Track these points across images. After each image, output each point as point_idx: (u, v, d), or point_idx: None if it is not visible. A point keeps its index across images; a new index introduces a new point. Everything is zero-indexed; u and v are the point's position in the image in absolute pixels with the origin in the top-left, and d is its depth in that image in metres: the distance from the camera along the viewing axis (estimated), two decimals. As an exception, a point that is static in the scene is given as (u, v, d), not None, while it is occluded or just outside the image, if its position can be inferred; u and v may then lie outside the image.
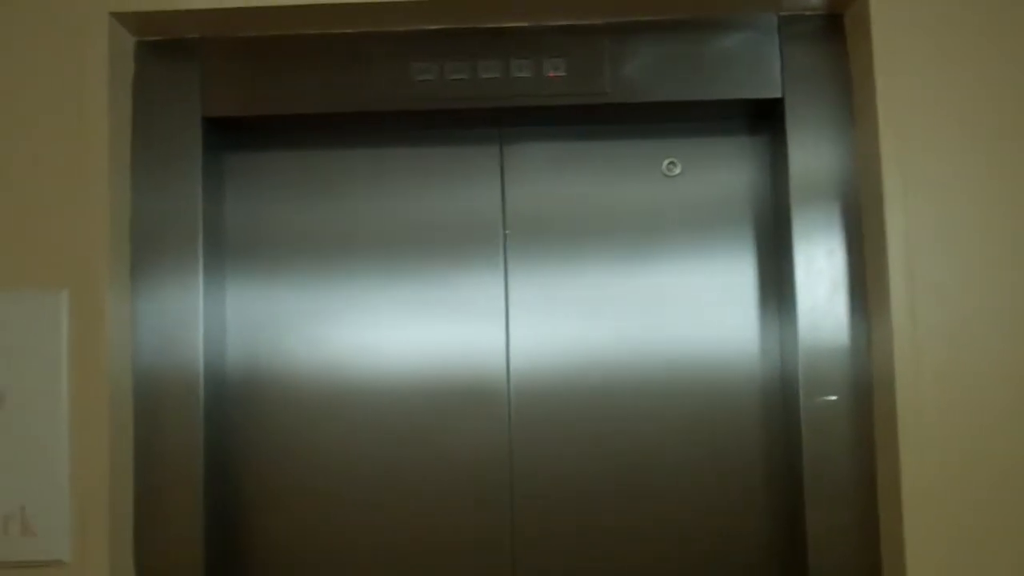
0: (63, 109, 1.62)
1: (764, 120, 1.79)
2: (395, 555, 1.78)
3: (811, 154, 1.68)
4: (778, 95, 1.69)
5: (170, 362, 1.67)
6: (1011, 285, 1.57)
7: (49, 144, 1.61)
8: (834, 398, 1.64)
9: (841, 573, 1.62)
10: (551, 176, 1.82)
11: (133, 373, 1.67)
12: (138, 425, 1.67)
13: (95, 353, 1.59)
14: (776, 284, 1.78)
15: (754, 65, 1.70)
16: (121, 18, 1.65)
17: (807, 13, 1.70)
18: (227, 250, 1.81)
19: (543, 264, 1.81)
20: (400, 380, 1.79)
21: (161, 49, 1.72)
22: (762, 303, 1.79)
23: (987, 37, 1.60)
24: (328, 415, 1.79)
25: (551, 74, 1.70)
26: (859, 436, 1.64)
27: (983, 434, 1.55)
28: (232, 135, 1.79)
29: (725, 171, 1.81)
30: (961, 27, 1.60)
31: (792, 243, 1.67)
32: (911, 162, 1.58)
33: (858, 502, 1.63)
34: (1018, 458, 1.54)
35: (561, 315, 1.80)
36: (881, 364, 1.61)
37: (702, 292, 1.80)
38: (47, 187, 1.61)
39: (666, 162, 1.81)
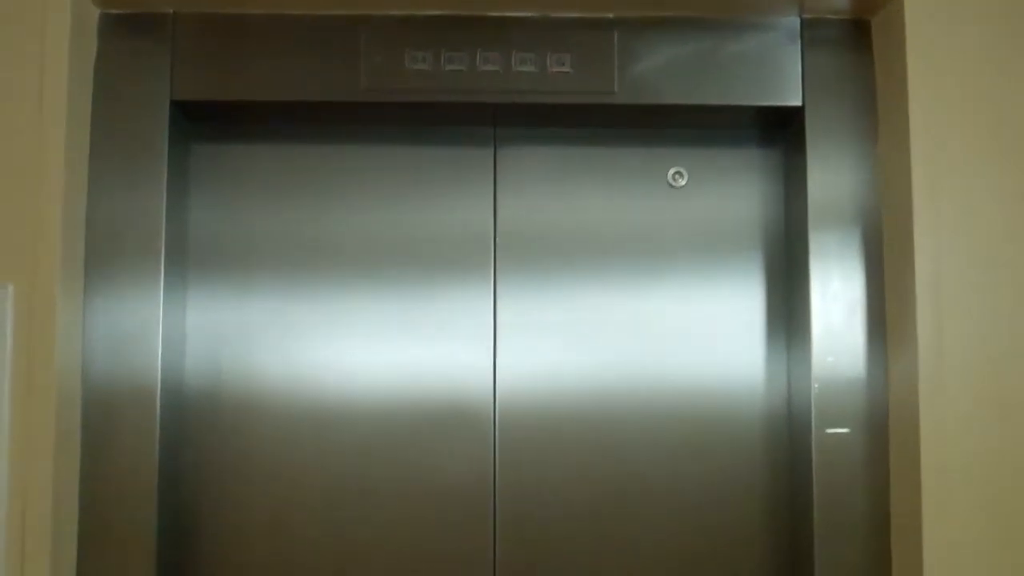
0: (17, 88, 1.47)
1: (780, 130, 1.67)
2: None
3: (832, 169, 1.57)
4: (798, 103, 1.58)
5: (124, 372, 1.52)
6: (1048, 317, 1.46)
7: (-1, 126, 1.47)
8: (846, 431, 1.52)
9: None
10: (547, 183, 1.69)
11: (83, 381, 1.51)
12: (86, 441, 1.51)
13: (42, 356, 1.44)
14: (786, 308, 1.66)
15: (773, 70, 1.58)
16: (85, -14, 1.50)
17: (831, 17, 1.59)
18: (191, 252, 1.65)
19: (535, 281, 1.67)
20: (377, 403, 1.64)
21: (128, 23, 1.56)
22: (770, 329, 1.66)
23: (1028, 49, 1.49)
24: (296, 439, 1.63)
25: (555, 70, 1.57)
26: (873, 471, 1.53)
27: (1013, 474, 1.43)
28: (202, 123, 1.64)
29: (735, 184, 1.69)
30: (1000, 39, 1.49)
31: (808, 265, 1.55)
32: (943, 181, 1.47)
33: (871, 542, 1.52)
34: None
35: (553, 337, 1.66)
36: (901, 396, 1.49)
37: (705, 315, 1.67)
38: (-5, 172, 1.47)
39: (672, 172, 1.68)
